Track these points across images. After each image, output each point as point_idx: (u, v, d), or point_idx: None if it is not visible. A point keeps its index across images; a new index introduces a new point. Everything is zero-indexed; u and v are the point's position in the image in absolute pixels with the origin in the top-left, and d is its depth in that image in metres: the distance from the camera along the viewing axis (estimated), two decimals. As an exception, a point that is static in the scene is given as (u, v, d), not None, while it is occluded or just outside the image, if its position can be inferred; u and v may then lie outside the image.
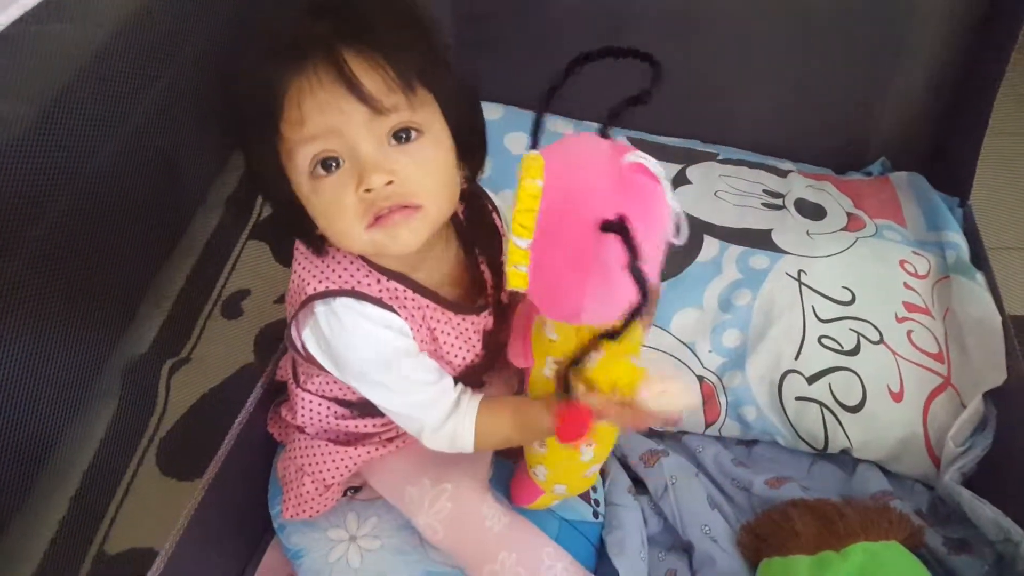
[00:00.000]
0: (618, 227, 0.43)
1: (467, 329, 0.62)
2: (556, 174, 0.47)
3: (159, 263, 1.14)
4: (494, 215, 0.66)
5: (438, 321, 0.59)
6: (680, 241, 0.48)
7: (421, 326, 0.58)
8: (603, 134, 0.52)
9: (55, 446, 0.94)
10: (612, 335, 0.48)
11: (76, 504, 0.93)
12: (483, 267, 0.64)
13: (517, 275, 0.49)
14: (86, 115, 0.92)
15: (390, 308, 0.56)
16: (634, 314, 0.44)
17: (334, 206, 0.51)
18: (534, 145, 0.53)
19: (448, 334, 0.60)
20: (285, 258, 1.18)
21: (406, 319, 0.57)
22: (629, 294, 0.44)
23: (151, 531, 0.89)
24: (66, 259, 0.91)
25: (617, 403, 0.53)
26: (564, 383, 0.53)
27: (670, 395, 0.51)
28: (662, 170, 0.48)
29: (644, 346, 0.83)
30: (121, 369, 1.05)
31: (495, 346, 0.65)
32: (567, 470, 0.66)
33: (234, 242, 1.22)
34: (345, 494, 0.74)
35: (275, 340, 0.87)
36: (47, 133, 0.87)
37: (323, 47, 0.48)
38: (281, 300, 1.12)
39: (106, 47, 0.97)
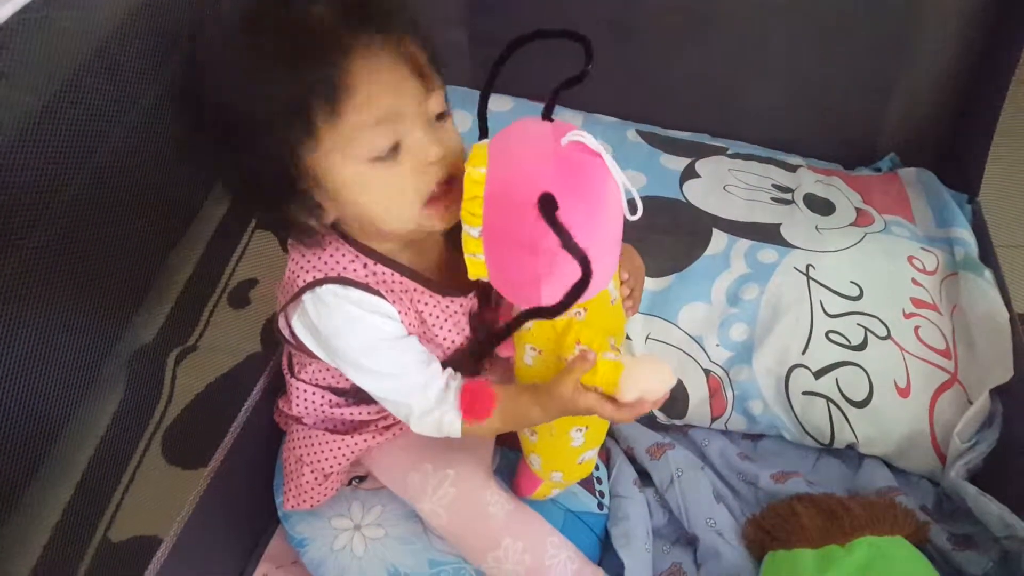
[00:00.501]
0: (543, 206, 0.43)
1: (456, 312, 0.61)
2: (498, 161, 0.48)
3: (166, 251, 1.14)
4: None
5: (425, 304, 0.59)
6: (633, 217, 0.49)
7: (409, 309, 0.58)
8: (546, 116, 0.51)
9: (61, 432, 0.94)
10: (546, 313, 0.46)
11: (81, 491, 0.93)
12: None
13: (475, 263, 0.50)
14: (94, 103, 0.92)
15: (376, 292, 0.56)
16: (575, 291, 0.44)
17: (394, 188, 0.52)
18: (483, 135, 0.54)
19: (437, 316, 0.60)
20: (291, 249, 1.19)
21: (393, 302, 0.57)
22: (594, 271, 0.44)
23: (155, 519, 0.89)
24: (74, 246, 0.91)
25: (606, 402, 0.53)
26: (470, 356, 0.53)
27: (647, 381, 0.51)
28: (602, 147, 0.48)
29: (654, 339, 0.83)
30: (128, 356, 1.05)
31: (483, 327, 0.65)
32: (559, 457, 0.66)
33: (242, 232, 1.22)
34: (350, 483, 0.74)
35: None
36: (55, 121, 0.87)
37: (382, 27, 0.49)
38: (284, 292, 1.12)
39: (114, 33, 0.97)
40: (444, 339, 0.61)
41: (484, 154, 0.48)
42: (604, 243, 0.49)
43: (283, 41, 0.47)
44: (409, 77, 0.50)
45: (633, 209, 0.49)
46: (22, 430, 0.84)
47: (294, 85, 0.47)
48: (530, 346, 0.57)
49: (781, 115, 1.05)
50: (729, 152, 1.02)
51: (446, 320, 0.61)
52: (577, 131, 0.48)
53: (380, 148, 0.50)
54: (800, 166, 1.02)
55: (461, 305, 0.62)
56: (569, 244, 0.42)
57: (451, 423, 0.59)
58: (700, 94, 1.05)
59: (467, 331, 0.63)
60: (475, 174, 0.48)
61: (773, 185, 0.97)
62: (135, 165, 1.01)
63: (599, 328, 0.54)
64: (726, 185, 0.96)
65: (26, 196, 0.84)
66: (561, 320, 0.54)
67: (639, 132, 1.04)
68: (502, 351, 0.62)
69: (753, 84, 1.03)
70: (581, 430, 0.63)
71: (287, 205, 0.53)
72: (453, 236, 0.62)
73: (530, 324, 0.56)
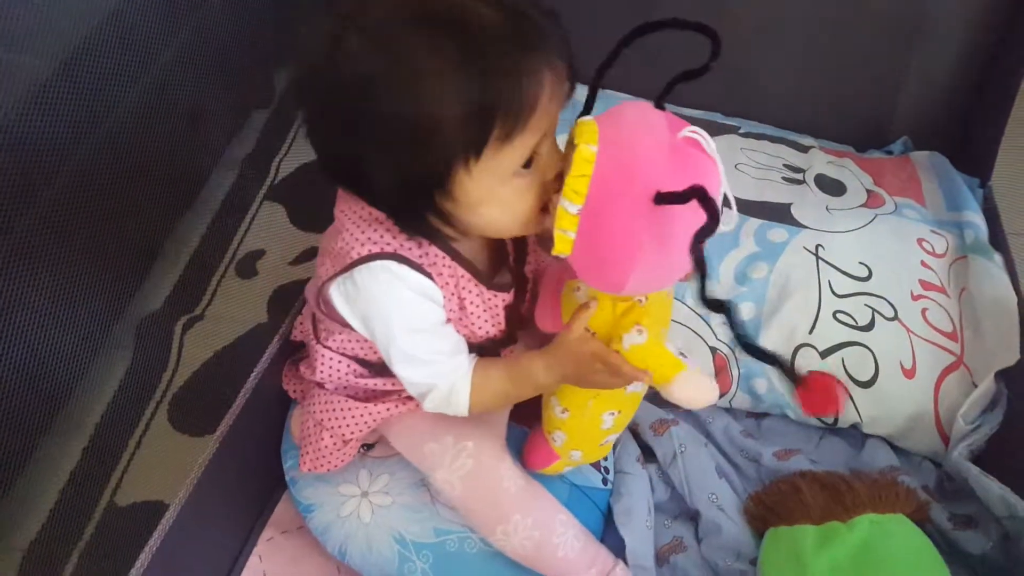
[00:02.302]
0: (692, 196, 0.42)
1: (496, 305, 0.62)
2: (610, 142, 0.47)
3: (175, 220, 1.14)
4: None
5: (469, 292, 0.59)
6: (727, 228, 0.47)
7: (453, 294, 0.58)
8: (659, 106, 0.51)
9: (69, 397, 0.95)
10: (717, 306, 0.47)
11: (89, 455, 0.94)
12: (507, 242, 0.64)
13: (564, 239, 0.49)
14: (104, 69, 0.91)
15: (428, 275, 0.56)
16: (703, 286, 0.44)
17: (524, 200, 0.51)
18: (588, 110, 0.53)
19: (477, 306, 0.60)
20: (301, 221, 1.19)
21: (440, 286, 0.57)
22: (676, 267, 0.44)
23: (161, 485, 0.90)
24: (83, 212, 0.91)
25: (613, 357, 0.53)
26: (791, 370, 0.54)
27: (696, 391, 0.52)
28: (715, 147, 0.47)
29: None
30: (136, 324, 1.05)
31: (516, 320, 0.65)
32: (586, 437, 0.67)
33: (250, 202, 1.22)
34: (359, 451, 0.74)
35: (288, 301, 0.88)
36: (66, 86, 0.87)
37: (564, 55, 0.47)
38: (296, 262, 1.12)
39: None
40: (479, 328, 0.62)
41: (594, 131, 0.47)
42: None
43: (468, 44, 0.44)
44: (563, 99, 0.49)
45: (728, 218, 0.48)
46: (31, 394, 0.85)
47: (478, 98, 0.44)
48: (585, 327, 0.57)
49: (794, 96, 1.05)
50: (741, 131, 1.02)
51: (485, 311, 0.61)
52: (695, 129, 0.47)
53: (521, 164, 0.49)
54: (812, 147, 1.01)
55: (503, 300, 0.62)
56: (700, 242, 0.42)
57: (459, 396, 0.60)
58: (714, 73, 1.03)
59: (502, 324, 0.63)
60: (586, 151, 0.46)
61: (785, 165, 0.97)
62: (145, 132, 1.00)
63: (657, 316, 0.55)
64: (737, 164, 0.96)
65: (36, 160, 0.84)
66: (622, 304, 0.54)
67: (651, 109, 1.03)
68: (541, 324, 0.63)
69: (767, 64, 1.03)
70: (613, 414, 0.64)
71: (411, 205, 0.51)
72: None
73: (591, 306, 0.56)
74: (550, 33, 0.47)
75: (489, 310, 0.61)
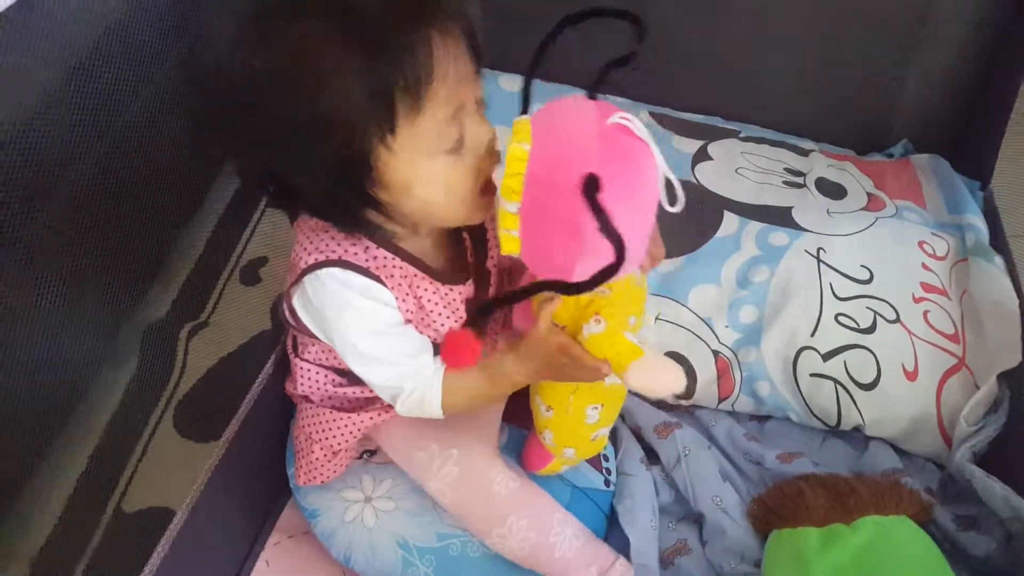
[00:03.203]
0: (587, 187, 0.42)
1: (454, 299, 0.62)
2: (542, 138, 0.47)
3: (179, 228, 1.14)
4: None
5: (425, 290, 0.59)
6: (676, 208, 0.48)
7: (408, 295, 0.58)
8: (591, 96, 0.51)
9: (76, 405, 0.96)
10: (571, 289, 0.47)
11: (95, 462, 0.94)
12: (464, 235, 0.63)
13: (509, 239, 0.50)
14: (109, 78, 0.92)
15: (376, 278, 0.56)
16: (605, 274, 0.44)
17: (459, 180, 0.51)
18: (524, 110, 0.53)
19: (435, 303, 0.60)
20: (302, 228, 1.19)
21: (392, 288, 0.57)
22: (628, 255, 0.44)
23: (167, 491, 0.90)
24: (89, 221, 0.92)
25: (579, 351, 0.53)
26: (475, 313, 0.53)
27: (654, 378, 0.51)
28: (647, 132, 0.48)
29: (664, 320, 0.84)
30: (141, 331, 1.06)
31: (482, 304, 0.64)
32: (573, 433, 0.66)
33: (252, 210, 1.23)
34: (360, 456, 0.75)
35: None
36: (73, 94, 0.87)
37: (454, 12, 0.47)
38: (293, 272, 1.13)
39: (130, 8, 0.97)
40: (442, 325, 0.62)
41: (527, 130, 0.48)
42: (640, 228, 0.49)
43: (352, 26, 0.44)
44: (471, 65, 0.49)
45: (673, 199, 0.48)
46: (38, 402, 0.86)
47: (374, 77, 0.44)
48: (553, 322, 0.57)
49: (794, 100, 1.05)
50: (741, 135, 1.03)
51: (444, 307, 0.61)
52: (623, 114, 0.48)
53: (451, 141, 0.50)
54: (812, 150, 1.02)
55: (460, 293, 0.62)
56: (607, 228, 0.42)
57: (431, 399, 0.60)
58: (713, 77, 1.05)
59: (464, 317, 0.63)
60: (518, 150, 0.47)
61: (785, 169, 0.97)
62: (148, 141, 1.01)
63: (621, 306, 0.55)
64: (738, 168, 0.96)
65: (43, 169, 0.85)
66: (585, 296, 0.54)
67: (652, 114, 1.04)
68: (519, 323, 0.63)
69: (767, 68, 1.03)
70: (597, 408, 0.64)
71: (344, 203, 0.51)
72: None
73: (557, 300, 0.56)
74: (452, 2, 0.47)
75: (448, 306, 0.61)
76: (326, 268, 0.55)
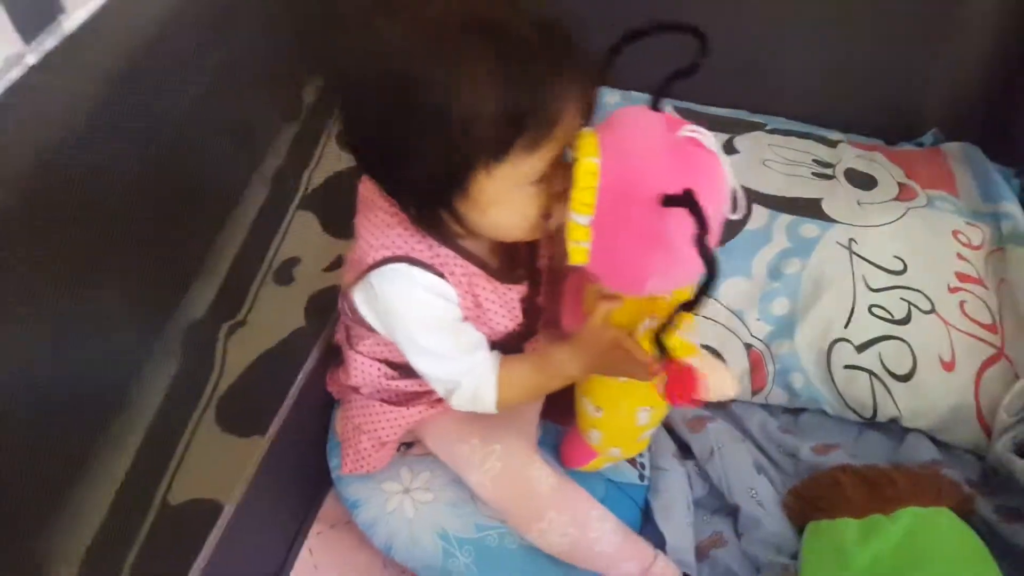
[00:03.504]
0: (684, 200, 0.43)
1: (512, 299, 0.63)
2: (612, 150, 0.48)
3: (214, 232, 1.17)
4: None
5: (483, 288, 0.61)
6: (738, 215, 0.49)
7: (467, 292, 0.60)
8: (654, 107, 0.52)
9: (121, 404, 0.98)
10: (688, 306, 0.48)
11: (140, 458, 0.97)
12: None
13: (579, 251, 0.50)
14: (154, 88, 0.95)
15: (440, 275, 0.58)
16: (706, 286, 0.44)
17: (531, 207, 0.53)
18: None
19: (493, 302, 0.62)
20: (333, 229, 1.21)
21: (454, 285, 0.59)
22: (693, 265, 0.45)
23: (211, 484, 0.93)
24: (131, 229, 0.94)
25: (633, 344, 0.54)
26: (659, 347, 0.53)
27: (711, 382, 0.52)
28: (716, 143, 0.48)
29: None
30: (182, 331, 1.09)
31: (534, 312, 0.67)
32: (622, 434, 0.68)
33: (284, 213, 1.25)
34: (399, 449, 0.76)
35: (325, 305, 0.90)
36: (121, 105, 0.90)
37: (583, 64, 0.49)
38: (330, 268, 1.15)
39: (171, 19, 0.99)
40: (498, 324, 0.63)
41: (594, 143, 0.48)
42: (716, 238, 0.49)
43: (514, 55, 0.46)
44: (586, 119, 0.51)
45: (735, 207, 0.49)
46: (86, 403, 0.89)
47: (512, 106, 0.46)
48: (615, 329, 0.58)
49: (820, 91, 1.04)
50: (767, 128, 1.02)
51: (501, 306, 0.63)
52: (692, 127, 0.48)
53: (539, 173, 0.51)
54: (840, 141, 1.01)
55: (518, 292, 0.64)
56: (701, 239, 0.42)
57: (485, 394, 0.61)
58: (738, 70, 1.04)
59: (520, 317, 0.65)
60: (589, 164, 0.48)
61: (813, 160, 0.97)
62: (187, 149, 1.04)
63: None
64: (765, 160, 0.96)
65: (96, 180, 0.87)
66: (649, 302, 0.55)
67: (676, 109, 1.04)
68: (568, 324, 0.64)
69: (792, 59, 1.02)
70: (647, 410, 0.65)
71: (427, 202, 0.53)
72: None
73: (617, 303, 0.57)
74: (583, 58, 0.49)
75: (505, 304, 0.63)
76: (393, 264, 0.57)
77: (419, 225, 0.56)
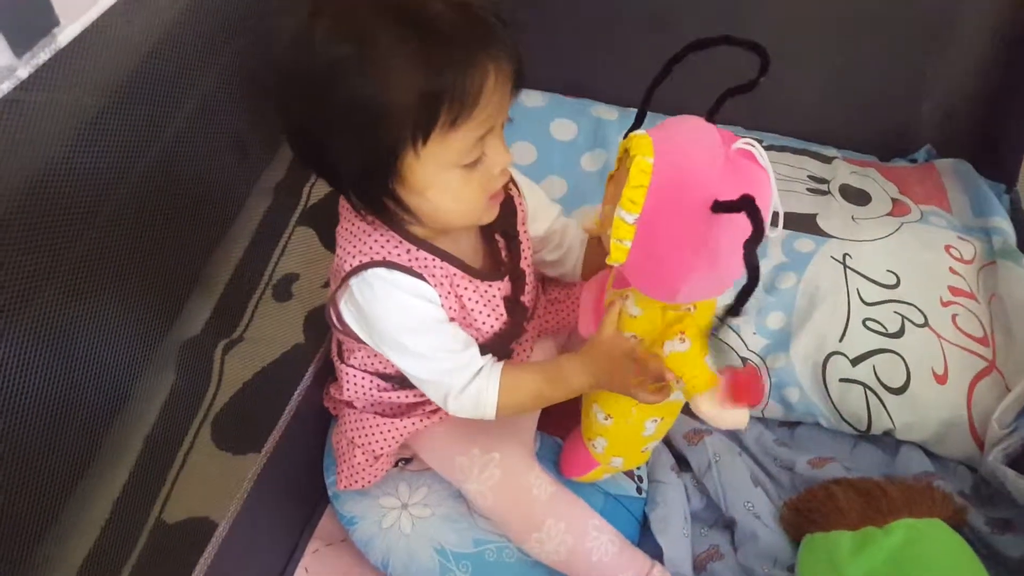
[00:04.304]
0: (742, 205, 0.43)
1: (493, 296, 0.64)
2: (665, 153, 0.48)
3: (212, 247, 1.17)
4: (512, 186, 0.68)
5: (465, 288, 0.61)
6: (776, 235, 0.49)
7: (449, 293, 0.60)
8: (710, 119, 0.53)
9: (115, 420, 0.98)
10: (734, 311, 0.47)
11: (135, 475, 0.97)
12: (497, 236, 0.66)
13: (619, 248, 0.51)
14: (149, 101, 0.96)
15: (419, 276, 0.58)
16: (745, 294, 0.44)
17: (470, 190, 0.55)
18: (638, 123, 0.55)
19: (476, 301, 0.62)
20: (331, 244, 1.22)
21: (435, 287, 0.59)
22: (731, 275, 0.45)
23: (206, 502, 0.92)
24: (127, 243, 0.95)
25: (648, 357, 0.54)
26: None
27: (724, 416, 0.52)
28: (767, 159, 0.49)
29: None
30: (177, 347, 1.09)
31: (518, 312, 0.67)
32: (628, 444, 0.67)
33: (283, 228, 1.26)
34: (396, 465, 0.76)
35: (324, 322, 0.90)
36: (108, 122, 0.91)
37: (508, 44, 0.50)
38: (328, 285, 1.15)
39: (168, 32, 1.00)
40: (483, 323, 0.63)
41: (649, 144, 0.49)
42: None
43: (428, 38, 0.47)
44: (509, 97, 0.52)
45: (775, 223, 0.50)
46: (80, 417, 0.88)
47: (429, 86, 0.48)
48: (631, 334, 0.59)
49: (816, 107, 1.06)
50: (763, 144, 1.03)
51: (484, 305, 0.63)
52: (748, 140, 0.49)
53: (470, 159, 0.53)
54: (835, 157, 1.02)
55: (499, 289, 0.64)
56: (751, 247, 0.42)
57: (487, 400, 0.61)
58: (731, 86, 1.06)
59: (504, 316, 0.65)
60: (643, 163, 0.48)
61: (808, 176, 0.98)
62: (183, 164, 1.05)
63: (704, 326, 0.56)
64: (760, 176, 0.97)
65: (85, 194, 0.88)
66: (672, 312, 0.56)
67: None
68: (584, 329, 0.64)
69: (787, 76, 1.02)
70: (656, 420, 0.65)
71: (367, 189, 0.54)
72: (484, 227, 0.64)
73: (637, 312, 0.57)
74: (501, 35, 0.50)
75: (489, 303, 0.63)
76: (371, 269, 0.58)
77: (368, 211, 0.57)
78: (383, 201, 0.55)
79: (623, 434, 0.66)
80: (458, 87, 0.48)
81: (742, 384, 0.52)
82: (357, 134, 0.50)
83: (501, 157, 0.55)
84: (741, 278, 0.48)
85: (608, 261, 0.52)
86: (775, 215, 0.50)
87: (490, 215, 0.58)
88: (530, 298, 0.68)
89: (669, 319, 0.56)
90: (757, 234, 0.42)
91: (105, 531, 0.91)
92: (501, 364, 0.63)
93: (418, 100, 0.48)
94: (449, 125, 0.50)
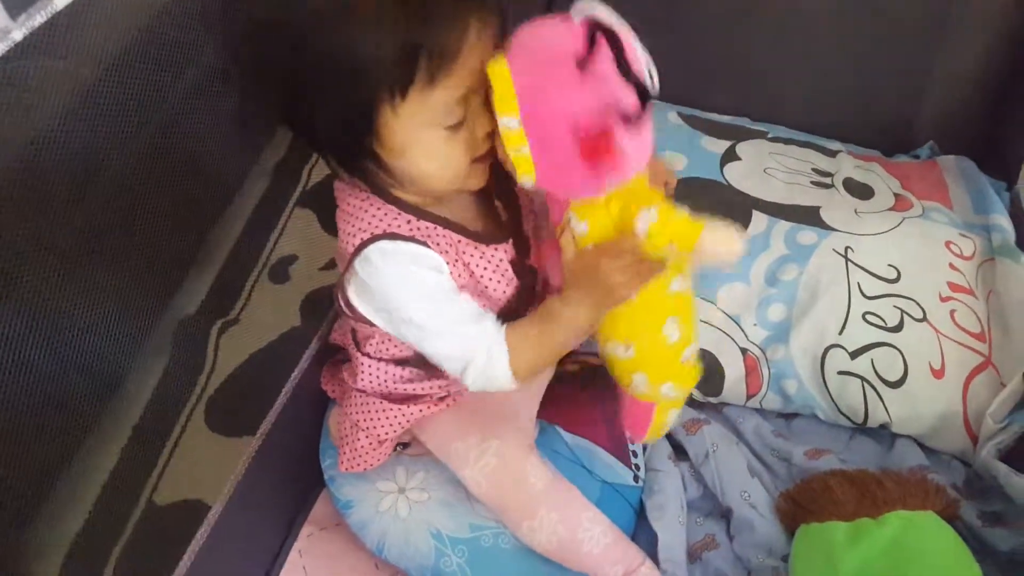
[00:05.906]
0: (594, 34, 0.43)
1: (500, 260, 0.62)
2: (517, 49, 0.48)
3: (210, 227, 1.16)
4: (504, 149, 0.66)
5: (471, 255, 0.60)
6: (655, 92, 0.48)
7: (457, 261, 0.59)
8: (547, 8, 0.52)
9: (109, 400, 0.97)
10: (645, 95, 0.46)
11: (127, 455, 0.96)
12: (496, 202, 0.64)
13: (521, 159, 0.50)
14: (146, 74, 0.94)
15: (423, 244, 0.57)
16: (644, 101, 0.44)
17: (453, 153, 0.54)
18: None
19: (484, 268, 0.61)
20: (331, 227, 1.20)
21: (440, 254, 0.58)
22: (643, 149, 0.44)
23: (198, 484, 0.92)
24: (122, 220, 0.94)
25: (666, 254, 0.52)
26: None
27: (730, 247, 0.50)
28: (618, 18, 0.48)
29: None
30: (172, 328, 1.08)
31: (528, 273, 0.65)
32: (663, 362, 0.61)
33: (282, 209, 1.24)
34: (395, 449, 0.76)
35: (321, 304, 0.89)
36: (109, 93, 0.89)
37: (494, 10, 0.49)
38: (327, 267, 1.14)
39: (164, 6, 0.99)
40: (495, 291, 0.61)
41: (501, 57, 0.49)
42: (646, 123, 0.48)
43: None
44: (492, 53, 0.51)
45: (652, 83, 0.48)
46: (72, 397, 0.88)
47: (407, 39, 0.47)
48: (592, 245, 0.55)
49: (820, 101, 1.06)
50: (769, 136, 1.03)
51: (493, 271, 0.61)
52: (582, 5, 0.48)
53: (453, 120, 0.52)
54: (839, 151, 1.02)
55: (505, 252, 0.62)
56: (625, 69, 0.42)
57: (498, 366, 0.58)
58: (741, 79, 1.06)
59: (515, 281, 0.63)
60: (496, 66, 0.48)
61: (813, 169, 0.98)
62: (180, 141, 1.03)
63: (648, 193, 0.53)
64: (766, 168, 0.97)
65: (78, 169, 0.87)
66: (616, 202, 0.53)
67: (680, 115, 1.05)
68: (555, 279, 0.61)
69: (793, 70, 1.04)
70: (674, 319, 0.58)
71: (345, 149, 0.54)
72: (481, 191, 0.62)
73: (584, 228, 0.55)
74: None
75: (497, 269, 0.61)
76: (374, 244, 0.57)
77: (350, 175, 0.56)
78: (364, 163, 0.54)
79: (652, 353, 0.60)
80: (437, 42, 0.47)
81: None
82: (334, 86, 0.49)
83: (484, 121, 0.53)
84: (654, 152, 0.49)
85: (520, 181, 0.51)
86: (649, 72, 0.48)
87: (476, 181, 0.57)
88: (536, 262, 0.66)
89: (615, 210, 0.53)
90: (620, 54, 0.42)
91: (94, 512, 0.91)
92: (504, 327, 0.59)
93: (396, 53, 0.47)
94: (427, 81, 0.49)
